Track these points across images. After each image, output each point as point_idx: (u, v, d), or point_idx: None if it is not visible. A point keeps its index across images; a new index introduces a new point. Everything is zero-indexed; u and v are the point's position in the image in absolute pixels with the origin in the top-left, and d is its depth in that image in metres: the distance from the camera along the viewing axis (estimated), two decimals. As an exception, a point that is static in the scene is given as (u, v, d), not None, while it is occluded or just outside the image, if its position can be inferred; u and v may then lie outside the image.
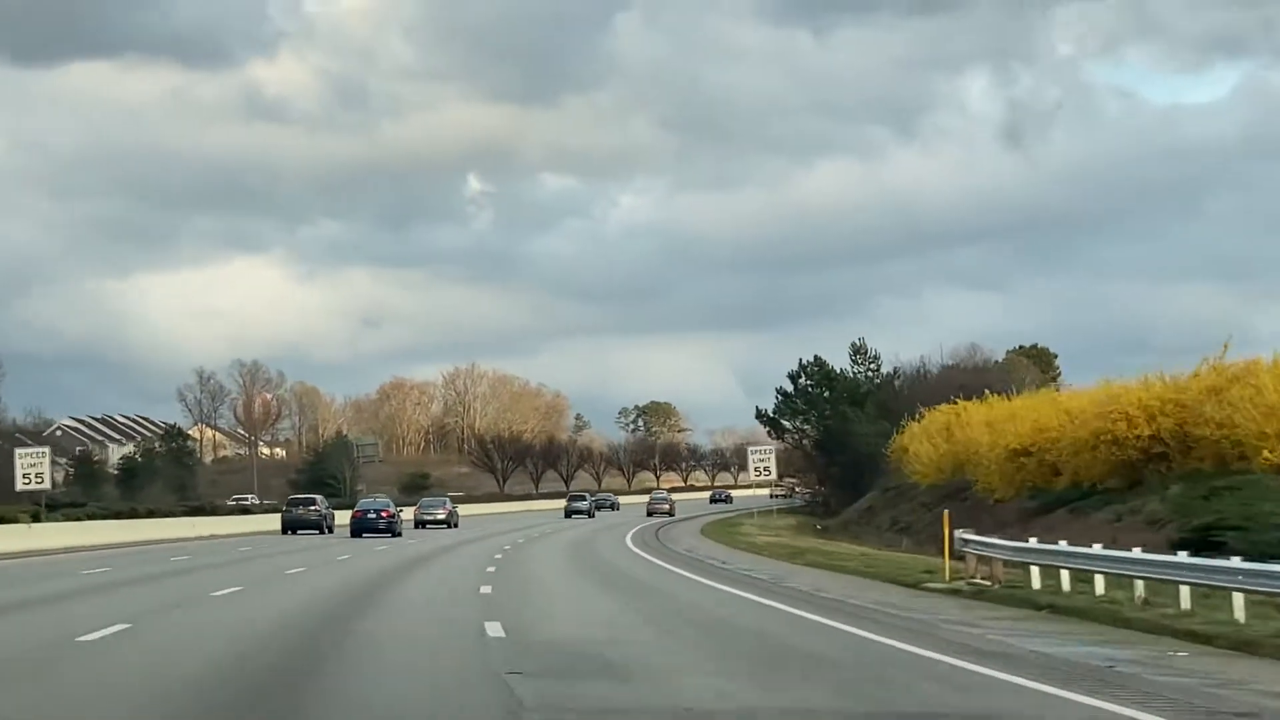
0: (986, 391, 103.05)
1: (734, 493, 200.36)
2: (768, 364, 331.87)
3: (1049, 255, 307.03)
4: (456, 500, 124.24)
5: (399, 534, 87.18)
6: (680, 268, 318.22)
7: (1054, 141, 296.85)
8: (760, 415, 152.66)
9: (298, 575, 44.98)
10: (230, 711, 17.74)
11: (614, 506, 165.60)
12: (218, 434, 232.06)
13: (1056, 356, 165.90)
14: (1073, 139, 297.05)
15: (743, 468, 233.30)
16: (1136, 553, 31.17)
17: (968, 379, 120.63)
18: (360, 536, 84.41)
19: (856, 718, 17.18)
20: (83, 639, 24.50)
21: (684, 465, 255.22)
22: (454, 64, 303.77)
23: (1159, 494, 60.78)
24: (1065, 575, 34.36)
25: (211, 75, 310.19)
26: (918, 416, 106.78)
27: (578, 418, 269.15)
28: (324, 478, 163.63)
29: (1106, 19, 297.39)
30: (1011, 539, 41.17)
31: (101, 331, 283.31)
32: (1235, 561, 27.29)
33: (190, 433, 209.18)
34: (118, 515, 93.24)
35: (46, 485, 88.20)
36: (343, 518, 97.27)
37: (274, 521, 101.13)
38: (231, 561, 55.13)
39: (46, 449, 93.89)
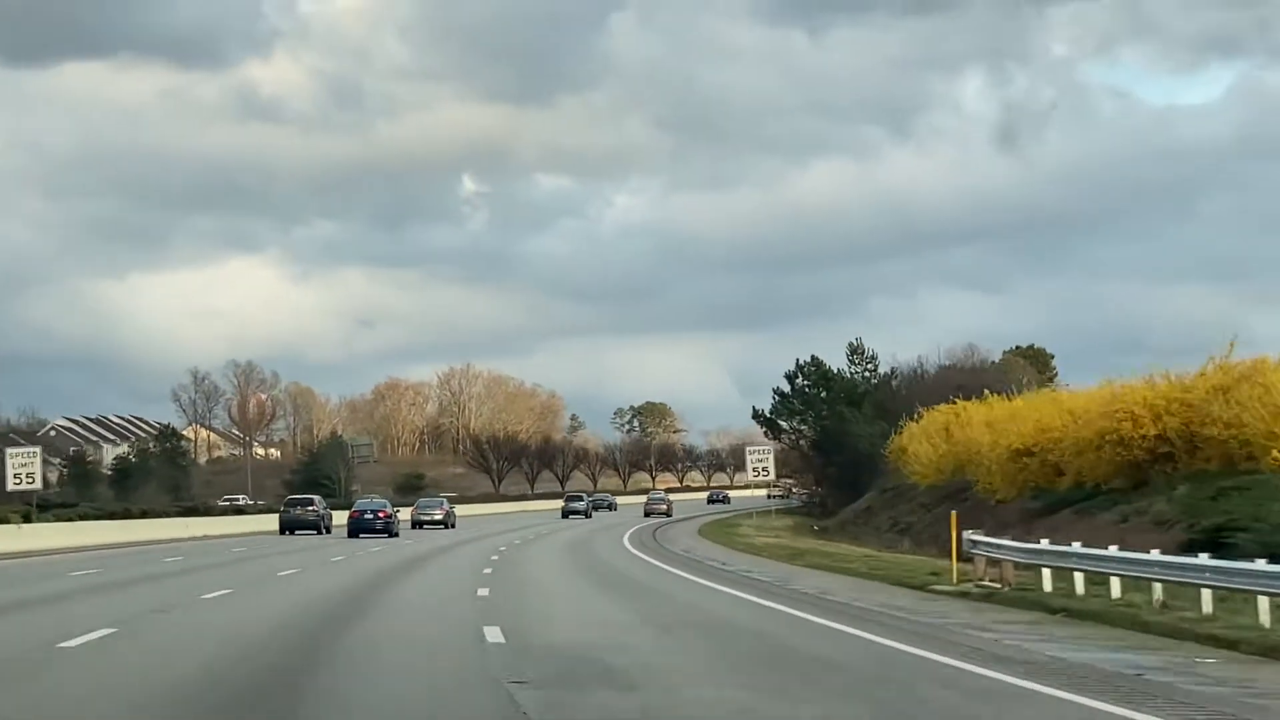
0: (986, 391, 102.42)
1: (731, 493, 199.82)
2: (763, 364, 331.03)
3: (1044, 256, 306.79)
4: (451, 501, 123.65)
5: (396, 534, 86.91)
6: (675, 268, 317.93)
7: (1049, 142, 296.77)
8: (757, 415, 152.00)
9: (291, 577, 44.09)
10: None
11: (611, 507, 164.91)
12: (212, 434, 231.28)
13: (1053, 357, 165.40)
14: (1068, 139, 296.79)
15: (739, 468, 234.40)
16: (1155, 554, 30.24)
17: (965, 379, 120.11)
18: (357, 537, 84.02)
19: (878, 729, 16.32)
20: (64, 645, 23.48)
21: (680, 466, 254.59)
22: (449, 64, 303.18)
23: (1165, 494, 59.92)
24: (1079, 578, 33.46)
25: (206, 75, 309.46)
26: (916, 417, 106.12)
27: (573, 418, 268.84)
28: (318, 478, 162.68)
29: (1101, 19, 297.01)
30: (1018, 540, 40.36)
31: (96, 332, 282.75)
32: (1260, 564, 26.40)
33: (185, 433, 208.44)
34: (110, 516, 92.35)
35: (38, 485, 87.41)
36: (338, 518, 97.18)
37: (268, 522, 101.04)
38: (224, 563, 54.25)
39: (38, 449, 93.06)
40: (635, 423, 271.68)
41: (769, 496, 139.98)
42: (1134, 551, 32.09)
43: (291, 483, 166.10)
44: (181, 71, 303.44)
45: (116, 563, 55.54)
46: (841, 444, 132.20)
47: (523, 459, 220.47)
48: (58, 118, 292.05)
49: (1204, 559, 28.32)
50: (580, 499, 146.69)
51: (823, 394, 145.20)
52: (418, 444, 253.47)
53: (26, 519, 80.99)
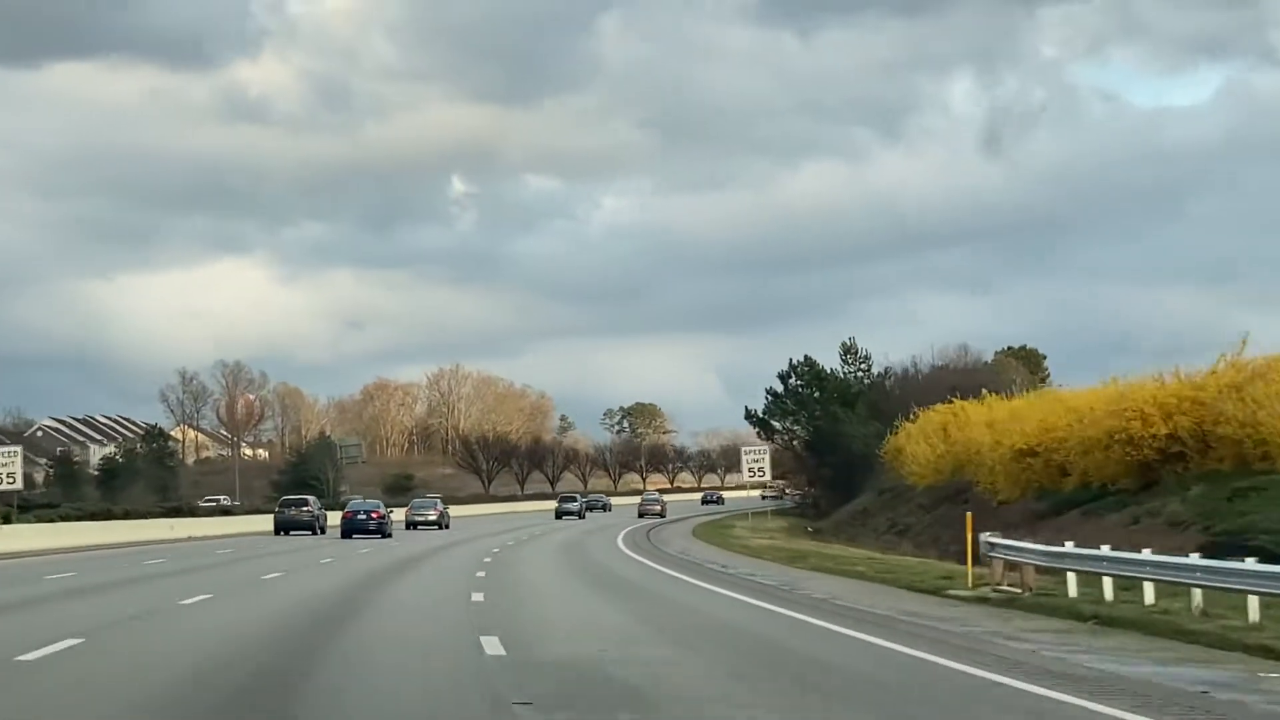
0: (984, 391, 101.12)
1: (724, 494, 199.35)
2: (752, 366, 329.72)
3: (1033, 257, 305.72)
4: (441, 501, 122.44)
5: (389, 535, 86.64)
6: (664, 269, 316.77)
7: (1038, 143, 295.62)
8: (750, 416, 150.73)
9: (276, 581, 42.26)
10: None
11: (605, 508, 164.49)
12: (200, 435, 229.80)
13: (1045, 357, 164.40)
14: (1057, 141, 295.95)
15: (729, 469, 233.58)
16: (1194, 558, 28.42)
17: (959, 380, 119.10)
18: (351, 537, 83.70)
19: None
20: (23, 658, 21.30)
21: (670, 467, 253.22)
22: (437, 64, 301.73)
23: (1178, 495, 58.36)
24: (1108, 583, 31.64)
25: (195, 76, 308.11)
26: (912, 417, 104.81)
27: (562, 419, 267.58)
28: (306, 479, 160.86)
29: (1091, 20, 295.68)
30: (1045, 542, 38.57)
31: (85, 332, 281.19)
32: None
33: (173, 434, 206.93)
34: (92, 516, 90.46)
35: (18, 485, 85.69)
36: (333, 519, 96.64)
37: (257, 523, 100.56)
38: (208, 566, 52.42)
39: (18, 448, 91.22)
40: (625, 423, 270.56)
41: (763, 497, 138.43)
42: (1171, 555, 30.23)
43: (279, 483, 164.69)
44: (170, 72, 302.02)
45: (96, 565, 53.74)
46: (835, 444, 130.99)
47: (513, 460, 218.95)
48: (47, 118, 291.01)
49: (1251, 564, 26.48)
50: (574, 499, 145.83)
51: (816, 394, 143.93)
52: (407, 445, 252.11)
53: (6, 520, 79.15)
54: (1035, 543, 37.80)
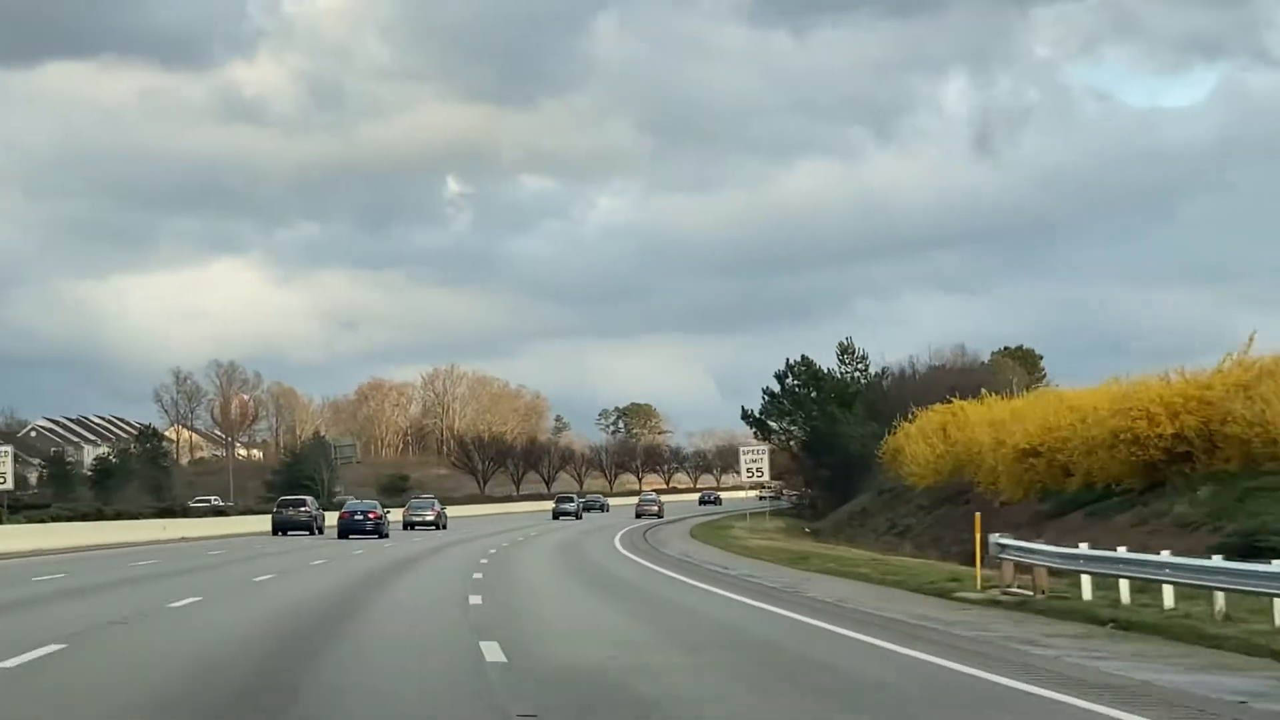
0: (984, 391, 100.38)
1: (721, 494, 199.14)
2: (747, 366, 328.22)
3: (1027, 258, 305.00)
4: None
5: (386, 535, 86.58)
6: (658, 269, 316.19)
7: (1032, 144, 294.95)
8: (746, 416, 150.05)
9: (267, 583, 41.28)
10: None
11: (603, 508, 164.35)
12: (194, 435, 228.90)
13: (1042, 358, 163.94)
14: (1051, 141, 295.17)
15: (725, 470, 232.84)
16: (1217, 561, 27.44)
17: (956, 380, 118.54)
18: (347, 538, 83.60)
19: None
20: (1, 665, 20.52)
21: (666, 467, 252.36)
22: (430, 64, 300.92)
23: (1186, 496, 57.50)
24: (1124, 585, 30.70)
25: (190, 76, 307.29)
26: (910, 417, 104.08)
27: (557, 419, 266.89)
28: (301, 479, 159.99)
29: (1085, 20, 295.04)
30: (1051, 543, 37.66)
31: (79, 332, 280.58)
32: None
33: (167, 434, 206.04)
34: (84, 517, 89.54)
35: (9, 485, 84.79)
36: (329, 519, 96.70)
37: (251, 523, 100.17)
38: (199, 567, 51.42)
39: (9, 447, 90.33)
40: (620, 424, 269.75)
41: (760, 498, 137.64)
42: (1192, 558, 29.29)
43: (274, 484, 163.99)
44: (165, 72, 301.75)
45: (85, 566, 52.80)
46: (832, 445, 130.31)
47: (508, 460, 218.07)
48: (40, 118, 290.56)
49: (1277, 566, 25.50)
50: (571, 500, 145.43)
51: (813, 394, 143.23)
52: (401, 445, 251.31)
53: (-4, 520, 78.31)
54: (1047, 544, 36.87)
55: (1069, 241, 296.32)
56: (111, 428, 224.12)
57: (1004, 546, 36.15)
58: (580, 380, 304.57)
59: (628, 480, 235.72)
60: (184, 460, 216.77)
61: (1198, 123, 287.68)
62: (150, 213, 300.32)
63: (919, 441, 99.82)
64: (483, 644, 23.28)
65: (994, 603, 33.55)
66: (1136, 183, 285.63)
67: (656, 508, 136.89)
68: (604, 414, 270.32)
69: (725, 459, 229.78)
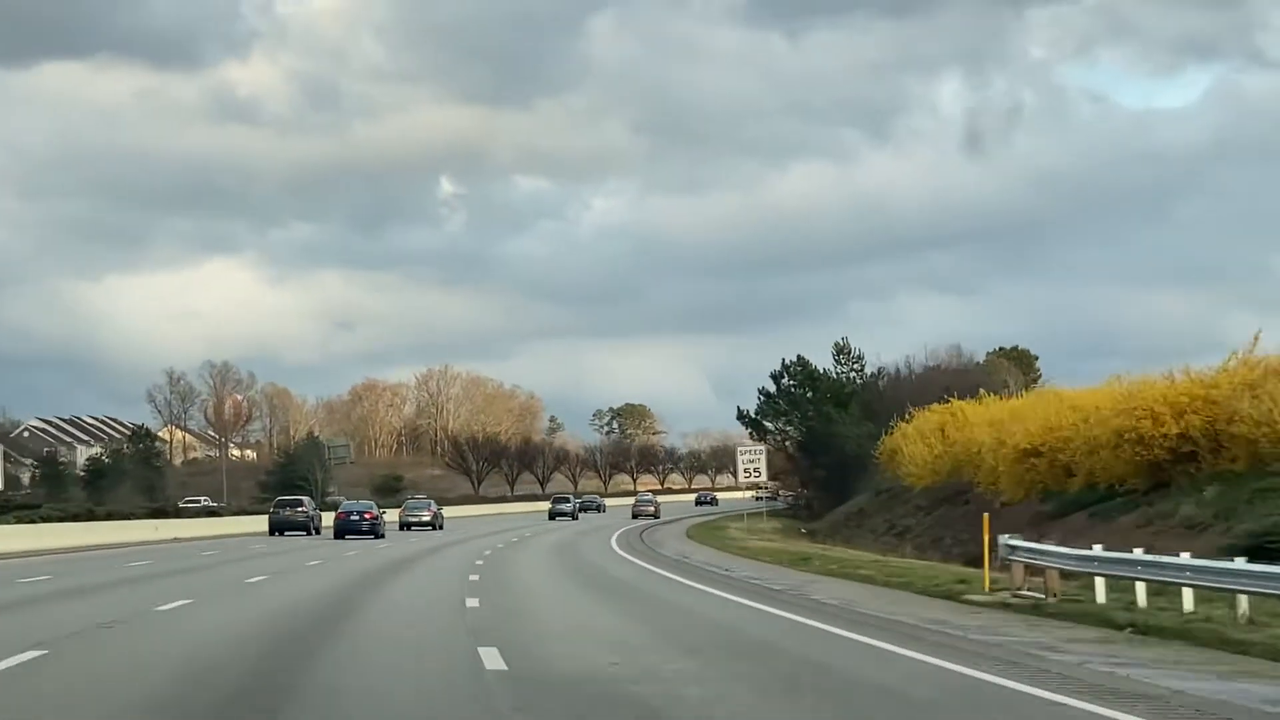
0: (982, 391, 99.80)
1: (718, 494, 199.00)
2: (741, 367, 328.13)
3: (1022, 259, 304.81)
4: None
5: (382, 535, 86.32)
6: (653, 270, 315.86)
7: (1027, 145, 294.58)
8: (742, 416, 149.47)
9: (262, 584, 40.50)
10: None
11: (600, 509, 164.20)
12: (188, 436, 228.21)
13: (1038, 358, 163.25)
14: (1045, 142, 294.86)
15: (720, 470, 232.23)
16: (1239, 563, 26.60)
17: (952, 380, 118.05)
18: (343, 538, 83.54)
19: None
20: (-23, 673, 19.65)
21: (661, 468, 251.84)
22: (425, 65, 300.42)
23: (1192, 496, 56.75)
24: (1140, 588, 29.88)
25: (184, 76, 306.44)
26: (907, 417, 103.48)
27: (552, 420, 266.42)
28: (294, 479, 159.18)
29: (1080, 21, 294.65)
30: (1056, 544, 36.84)
31: (73, 332, 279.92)
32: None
33: (160, 434, 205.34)
34: (75, 517, 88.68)
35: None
36: (326, 519, 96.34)
37: (242, 524, 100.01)
38: (190, 568, 50.62)
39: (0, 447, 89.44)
40: (614, 424, 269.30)
41: (756, 499, 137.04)
42: (1214, 560, 28.46)
43: (267, 484, 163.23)
44: (159, 72, 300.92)
45: (74, 568, 52.03)
46: (828, 445, 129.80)
47: (503, 461, 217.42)
48: (35, 118, 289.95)
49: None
50: (567, 500, 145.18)
51: (809, 394, 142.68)
52: (395, 445, 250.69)
53: (-15, 520, 77.46)
54: (1058, 545, 36.06)
55: (1064, 242, 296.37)
56: (105, 428, 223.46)
57: (1014, 548, 35.34)
58: (575, 381, 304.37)
59: (622, 481, 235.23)
60: (177, 461, 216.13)
61: (1192, 124, 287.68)
62: (145, 213, 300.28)
63: (917, 442, 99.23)
64: (480, 646, 22.65)
65: (1004, 605, 32.72)
66: (1131, 184, 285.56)
67: (653, 508, 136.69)
68: (598, 414, 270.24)
69: (720, 460, 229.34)
